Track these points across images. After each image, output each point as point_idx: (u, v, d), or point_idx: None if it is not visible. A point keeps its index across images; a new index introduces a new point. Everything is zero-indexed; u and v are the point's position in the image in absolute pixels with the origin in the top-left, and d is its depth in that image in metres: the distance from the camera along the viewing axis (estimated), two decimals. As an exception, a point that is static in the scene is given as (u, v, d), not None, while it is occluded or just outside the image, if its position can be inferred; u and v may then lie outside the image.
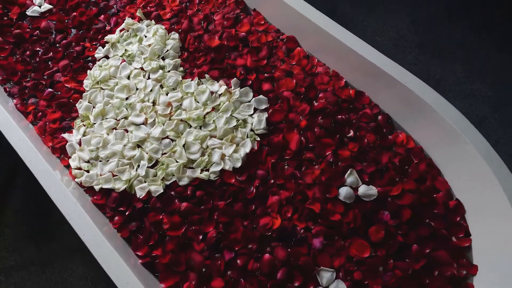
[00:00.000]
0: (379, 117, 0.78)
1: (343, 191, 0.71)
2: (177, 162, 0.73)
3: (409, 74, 0.73)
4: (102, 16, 0.91)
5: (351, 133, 0.76)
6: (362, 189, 0.71)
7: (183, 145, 0.75)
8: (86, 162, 0.75)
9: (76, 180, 0.73)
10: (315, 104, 0.79)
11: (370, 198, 0.71)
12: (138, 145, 0.76)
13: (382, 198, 0.71)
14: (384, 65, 0.74)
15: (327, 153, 0.74)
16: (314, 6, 0.80)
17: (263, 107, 0.79)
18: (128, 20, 0.88)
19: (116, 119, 0.78)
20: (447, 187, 0.72)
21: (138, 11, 0.90)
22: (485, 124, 1.20)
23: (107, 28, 0.89)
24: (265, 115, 0.78)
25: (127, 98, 0.81)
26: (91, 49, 0.87)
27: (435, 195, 0.71)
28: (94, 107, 0.80)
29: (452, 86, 1.26)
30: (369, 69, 0.75)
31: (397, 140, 0.76)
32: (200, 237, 0.69)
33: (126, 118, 0.78)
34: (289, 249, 0.67)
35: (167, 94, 0.80)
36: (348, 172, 0.72)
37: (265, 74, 0.82)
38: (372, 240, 0.68)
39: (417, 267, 0.65)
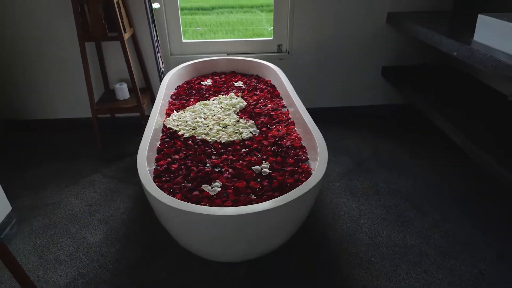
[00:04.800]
0: (303, 157, 1.36)
1: (256, 166, 1.29)
2: (201, 132, 1.51)
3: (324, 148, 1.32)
4: (225, 91, 1.92)
5: (283, 154, 1.36)
6: (264, 169, 1.27)
7: (210, 129, 1.53)
8: (173, 119, 1.63)
9: (164, 122, 1.61)
10: (279, 142, 1.45)
11: (265, 174, 1.25)
12: (195, 122, 1.59)
13: (272, 178, 1.24)
14: (318, 139, 1.36)
15: (264, 156, 1.36)
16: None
17: (255, 133, 1.51)
18: (232, 94, 1.85)
19: (195, 114, 1.67)
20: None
21: (239, 93, 1.86)
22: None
23: (222, 92, 1.89)
24: (251, 134, 1.49)
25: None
26: (211, 96, 1.85)
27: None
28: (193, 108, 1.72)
29: (432, 243, 1.54)
30: (310, 139, 1.39)
31: (302, 166, 1.30)
32: (185, 153, 1.39)
33: (198, 114, 1.66)
34: (213, 175, 1.27)
35: (222, 115, 1.65)
36: (266, 162, 1.31)
37: (268, 126, 1.57)
38: (249, 185, 1.20)
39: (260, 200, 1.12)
